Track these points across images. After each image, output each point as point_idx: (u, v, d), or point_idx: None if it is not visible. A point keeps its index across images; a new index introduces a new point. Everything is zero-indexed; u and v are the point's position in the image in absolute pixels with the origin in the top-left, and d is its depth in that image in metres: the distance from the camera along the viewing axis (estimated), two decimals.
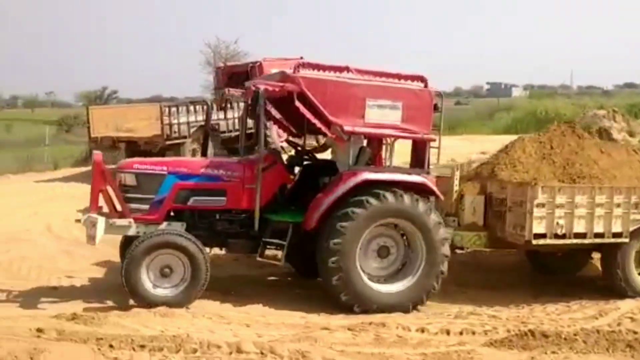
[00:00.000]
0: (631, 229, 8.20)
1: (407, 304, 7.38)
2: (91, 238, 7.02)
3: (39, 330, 5.43)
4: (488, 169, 8.81)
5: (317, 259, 7.43)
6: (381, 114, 7.51)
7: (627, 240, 8.17)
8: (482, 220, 8.46)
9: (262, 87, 7.22)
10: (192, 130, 16.13)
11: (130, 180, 7.46)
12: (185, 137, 15.92)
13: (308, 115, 7.29)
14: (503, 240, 8.27)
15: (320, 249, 7.32)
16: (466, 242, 8.31)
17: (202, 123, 16.36)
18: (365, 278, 7.36)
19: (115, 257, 8.25)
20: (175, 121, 16.07)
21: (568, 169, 8.36)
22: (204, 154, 8.78)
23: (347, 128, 7.38)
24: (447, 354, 5.71)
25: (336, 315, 7.07)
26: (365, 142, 7.96)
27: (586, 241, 8.08)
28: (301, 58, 20.47)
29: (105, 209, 7.35)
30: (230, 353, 5.28)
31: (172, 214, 7.52)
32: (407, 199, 7.37)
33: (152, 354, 5.13)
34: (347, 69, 7.57)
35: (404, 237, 7.63)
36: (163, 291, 6.98)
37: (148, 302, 6.82)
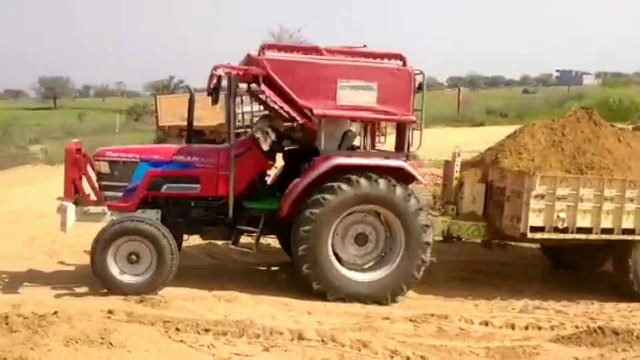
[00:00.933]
0: None
1: (384, 294, 7.13)
2: (62, 225, 7.07)
3: (110, 311, 5.64)
4: (492, 155, 8.38)
5: (291, 247, 7.29)
6: (354, 96, 7.13)
7: (638, 237, 7.62)
8: (481, 209, 8.13)
9: (224, 72, 7.04)
10: (255, 119, 16.35)
11: (104, 168, 7.43)
12: (248, 127, 16.15)
13: (275, 98, 7.16)
14: (502, 232, 7.89)
15: (293, 236, 7.13)
16: (463, 232, 7.99)
17: (266, 112, 16.57)
18: (338, 266, 7.17)
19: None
20: (240, 110, 16.33)
21: (578, 158, 7.83)
22: (188, 141, 8.39)
23: (316, 111, 7.08)
24: (511, 348, 5.59)
25: (397, 306, 7.04)
26: (354, 126, 7.72)
27: (592, 237, 7.55)
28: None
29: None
30: (292, 339, 5.33)
31: (150, 201, 7.47)
32: (382, 184, 7.05)
33: (216, 338, 5.23)
34: (317, 49, 7.34)
35: (386, 225, 7.33)
36: (130, 278, 6.90)
37: (115, 288, 6.81)
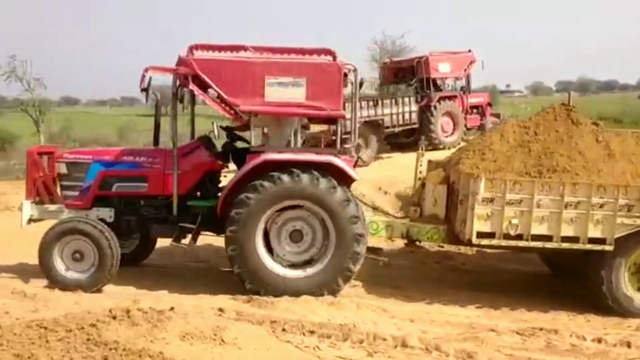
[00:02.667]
0: (617, 235, 6.93)
1: (319, 289, 7.01)
2: (22, 221, 7.57)
3: (220, 309, 5.91)
4: (459, 155, 7.86)
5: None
6: (282, 92, 7.09)
7: (610, 248, 6.94)
8: (443, 212, 7.70)
9: (151, 73, 7.16)
10: (357, 125, 16.44)
11: (62, 169, 7.76)
12: (349, 133, 16.26)
13: (204, 97, 7.24)
14: (458, 237, 7.36)
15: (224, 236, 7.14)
16: (423, 235, 7.68)
17: (367, 118, 16.58)
18: (270, 264, 7.09)
19: None
20: None
21: (543, 159, 7.24)
22: (155, 144, 8.25)
23: (243, 108, 7.14)
24: None
25: (503, 318, 6.86)
26: (300, 124, 7.66)
27: (550, 246, 7.00)
28: (469, 51, 20.12)
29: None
30: (396, 346, 5.35)
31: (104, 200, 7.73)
32: (305, 178, 6.94)
33: (321, 340, 5.35)
34: (244, 47, 7.29)
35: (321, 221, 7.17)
36: (74, 274, 7.18)
37: (61, 285, 7.06)
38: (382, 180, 13.10)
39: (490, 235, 7.06)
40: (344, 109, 7.55)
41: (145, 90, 7.21)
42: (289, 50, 7.33)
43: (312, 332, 5.49)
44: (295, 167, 6.99)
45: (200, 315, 5.44)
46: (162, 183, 7.58)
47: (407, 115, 17.74)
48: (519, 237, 7.03)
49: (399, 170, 14.23)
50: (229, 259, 7.13)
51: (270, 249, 7.22)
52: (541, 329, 6.16)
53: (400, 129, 17.62)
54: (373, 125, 16.77)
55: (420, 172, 8.15)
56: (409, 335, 5.56)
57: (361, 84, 7.97)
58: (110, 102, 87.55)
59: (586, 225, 6.93)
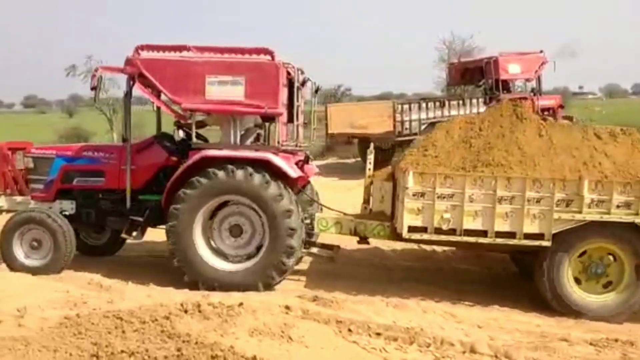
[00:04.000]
0: (555, 230, 6.77)
1: (255, 283, 7.18)
2: None
3: (287, 307, 5.95)
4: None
5: None
6: (222, 90, 7.34)
7: (548, 244, 6.78)
8: (390, 208, 7.56)
9: (101, 72, 7.58)
10: (422, 127, 16.25)
11: (30, 163, 8.23)
12: (415, 134, 16.09)
13: (149, 96, 7.59)
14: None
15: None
16: (369, 232, 7.56)
17: (434, 120, 16.42)
18: (208, 257, 7.33)
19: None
20: (407, 118, 16.33)
21: (482, 154, 7.12)
22: (124, 140, 8.33)
23: (185, 106, 7.39)
24: None
25: (576, 327, 6.63)
26: (253, 122, 7.81)
27: (484, 241, 6.88)
28: (541, 52, 19.57)
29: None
30: (464, 352, 5.27)
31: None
32: (239, 174, 7.13)
33: (387, 343, 5.32)
34: (186, 47, 7.55)
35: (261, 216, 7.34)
36: (33, 262, 7.63)
37: (20, 270, 7.47)
38: None
39: (422, 229, 7.04)
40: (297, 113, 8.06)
41: (94, 89, 7.63)
42: (229, 50, 7.62)
43: (378, 334, 5.47)
44: (233, 164, 7.21)
45: (268, 311, 5.51)
46: (118, 178, 7.94)
47: None
48: (452, 231, 6.99)
49: None
50: (170, 252, 7.44)
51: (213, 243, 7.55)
52: (616, 340, 5.91)
53: None
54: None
55: (370, 169, 8.22)
56: (477, 342, 5.46)
57: (316, 90, 8.55)
58: None
59: (522, 220, 6.83)
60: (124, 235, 8.03)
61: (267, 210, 7.25)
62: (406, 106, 16.55)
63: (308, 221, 7.92)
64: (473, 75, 19.76)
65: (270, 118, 7.59)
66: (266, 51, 7.50)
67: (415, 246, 7.85)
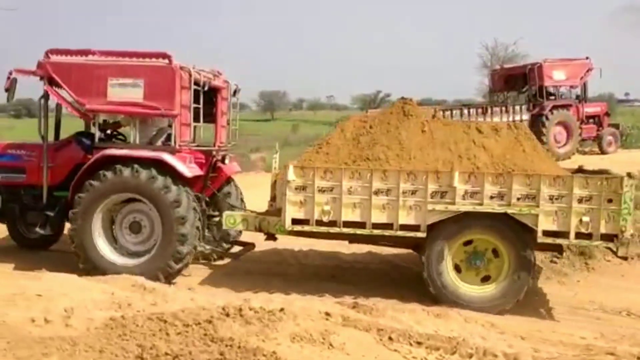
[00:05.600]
0: (430, 221, 7.04)
1: (155, 273, 7.57)
2: None
3: (327, 313, 5.92)
4: None
5: None
6: (123, 92, 7.79)
7: (423, 235, 7.05)
8: None
9: (15, 74, 7.99)
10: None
11: None
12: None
13: (56, 98, 8.05)
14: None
15: None
16: (272, 228, 7.72)
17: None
18: (103, 249, 7.83)
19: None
20: None
21: (365, 150, 7.53)
22: (56, 139, 8.99)
23: (89, 107, 7.88)
24: None
25: (623, 342, 6.43)
26: (166, 123, 8.06)
27: (361, 232, 7.14)
28: (587, 58, 19.17)
29: None
30: None
31: None
32: (143, 174, 7.57)
33: (429, 352, 5.24)
34: (91, 51, 8.03)
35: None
36: None
37: None
38: None
39: (305, 222, 7.31)
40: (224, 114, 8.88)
41: (7, 90, 8.12)
42: (130, 54, 8.05)
43: (419, 343, 5.40)
44: (129, 162, 7.68)
45: (309, 317, 5.51)
46: (37, 175, 8.41)
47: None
48: (333, 223, 7.22)
49: None
50: (69, 237, 7.92)
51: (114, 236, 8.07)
52: None
53: None
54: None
55: (275, 168, 8.54)
56: (521, 353, 5.34)
57: (235, 92, 9.12)
58: None
59: (397, 211, 7.05)
60: (37, 230, 8.46)
61: (157, 203, 7.69)
62: (447, 112, 16.39)
63: (217, 219, 8.49)
64: (516, 82, 19.53)
65: (167, 119, 8.03)
66: (164, 55, 7.91)
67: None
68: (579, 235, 7.00)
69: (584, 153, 19.39)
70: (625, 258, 7.49)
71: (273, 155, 8.69)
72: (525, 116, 17.35)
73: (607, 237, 6.97)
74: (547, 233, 7.04)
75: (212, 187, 8.86)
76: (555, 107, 18.07)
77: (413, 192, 7.08)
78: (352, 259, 9.64)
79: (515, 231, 7.12)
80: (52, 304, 5.88)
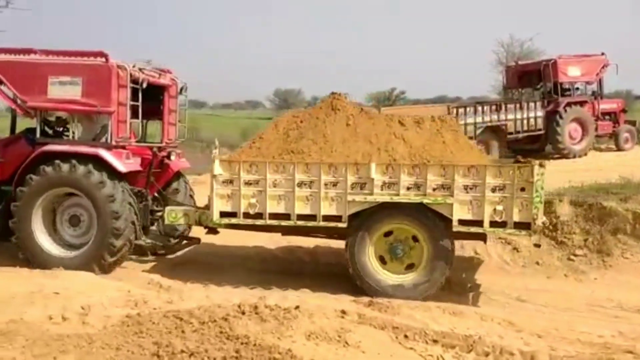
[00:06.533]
0: (351, 212, 7.20)
1: (90, 265, 7.82)
2: None
3: (343, 312, 5.93)
4: None
5: None
6: (62, 90, 8.03)
7: (344, 225, 7.20)
8: None
9: None
10: (478, 131, 15.92)
11: None
12: (471, 138, 15.79)
13: (0, 95, 8.20)
14: None
15: None
16: (209, 221, 7.78)
17: (489, 124, 16.11)
18: (42, 240, 8.10)
19: None
20: (462, 122, 15.97)
21: (292, 144, 7.71)
22: (12, 134, 9.11)
23: (30, 104, 8.09)
24: None
25: None
26: (110, 120, 8.10)
27: (286, 224, 7.33)
28: (602, 54, 18.95)
29: None
30: None
31: None
32: (80, 169, 7.85)
33: (445, 350, 5.22)
34: (33, 50, 8.21)
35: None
36: None
37: None
38: None
39: (232, 214, 7.48)
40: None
41: None
42: (69, 53, 8.26)
43: (435, 341, 5.37)
44: (69, 158, 7.91)
45: (324, 315, 5.51)
46: None
47: (532, 121, 16.98)
48: (259, 216, 7.38)
49: None
50: (13, 230, 8.12)
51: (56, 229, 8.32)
52: None
53: (525, 135, 16.89)
54: (495, 131, 16.20)
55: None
56: (538, 352, 5.30)
57: (181, 90, 9.32)
58: (235, 105, 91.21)
59: (319, 203, 7.23)
60: None
61: (92, 197, 7.93)
62: (461, 110, 16.23)
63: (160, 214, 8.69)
64: (531, 78, 19.31)
65: (103, 116, 8.19)
66: (101, 54, 8.12)
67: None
68: (493, 223, 7.13)
69: (600, 150, 19.16)
70: (538, 246, 7.45)
71: (213, 150, 8.92)
72: (540, 113, 17.13)
73: (521, 225, 7.10)
74: (462, 222, 7.18)
75: (160, 183, 9.12)
76: (570, 103, 17.84)
77: (334, 184, 7.27)
78: None
79: (432, 220, 7.27)
80: (69, 301, 5.94)
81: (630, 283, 8.69)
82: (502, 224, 7.13)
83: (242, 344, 4.60)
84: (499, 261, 9.68)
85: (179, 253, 9.52)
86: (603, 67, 18.73)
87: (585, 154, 17.72)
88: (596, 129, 18.44)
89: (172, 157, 9.24)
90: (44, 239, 8.20)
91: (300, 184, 7.32)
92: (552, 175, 13.65)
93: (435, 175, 7.14)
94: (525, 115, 16.92)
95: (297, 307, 5.53)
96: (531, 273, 9.24)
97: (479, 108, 16.48)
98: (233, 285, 7.80)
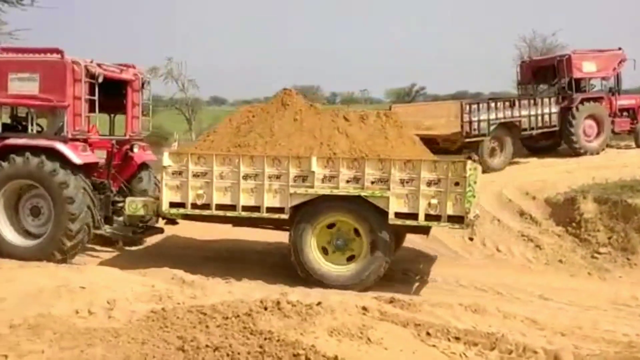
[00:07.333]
0: (293, 204, 7.45)
1: (52, 252, 8.25)
2: None
3: (364, 308, 5.94)
4: None
5: None
6: (21, 86, 8.39)
7: (286, 217, 7.46)
8: None
9: None
10: (491, 127, 15.66)
11: None
12: (484, 135, 15.53)
13: None
14: None
15: None
16: (160, 211, 7.99)
17: (503, 120, 15.83)
18: (3, 232, 8.53)
19: None
20: (476, 118, 15.61)
21: (241, 138, 7.94)
22: None
23: None
24: None
25: None
26: (66, 114, 8.37)
27: (231, 214, 7.58)
28: (619, 49, 18.54)
29: None
30: None
31: None
32: (34, 161, 8.21)
33: (467, 348, 5.21)
34: None
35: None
36: None
37: None
38: (530, 185, 12.51)
39: (181, 205, 7.72)
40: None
41: None
42: (27, 50, 8.65)
43: (457, 338, 5.36)
44: (24, 151, 8.27)
45: (346, 312, 5.52)
46: None
47: (546, 117, 16.58)
48: (206, 206, 7.62)
49: (550, 175, 13.57)
50: None
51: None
52: None
53: (539, 131, 16.55)
54: (509, 127, 15.94)
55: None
56: (562, 350, 5.26)
57: (143, 84, 9.59)
58: (254, 102, 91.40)
59: (263, 195, 7.47)
60: None
61: (47, 186, 8.29)
62: (474, 106, 15.86)
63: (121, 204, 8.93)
64: (546, 74, 18.91)
65: (58, 110, 8.46)
66: (57, 51, 8.42)
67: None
68: (428, 216, 7.30)
69: (619, 147, 18.79)
70: (471, 239, 7.52)
71: (172, 143, 9.16)
72: (555, 109, 16.72)
73: (454, 219, 7.26)
74: (399, 215, 7.36)
75: (124, 175, 9.46)
76: (584, 99, 17.42)
77: (278, 177, 7.52)
78: None
79: (370, 213, 7.48)
80: (95, 296, 6.03)
81: None
82: (437, 218, 7.35)
83: (265, 339, 4.62)
84: (521, 259, 9.65)
85: (148, 243, 10.14)
86: (620, 63, 18.25)
87: (600, 152, 17.35)
88: (613, 126, 18.04)
89: (135, 150, 9.59)
90: (6, 230, 8.66)
91: (246, 177, 7.58)
92: (576, 172, 13.59)
93: (373, 169, 7.40)
94: (539, 112, 16.48)
95: (319, 304, 5.54)
96: (554, 271, 9.21)
97: (492, 104, 16.14)
98: (255, 281, 7.86)
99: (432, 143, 16.13)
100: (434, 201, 7.27)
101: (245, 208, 7.63)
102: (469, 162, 7.27)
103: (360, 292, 7.31)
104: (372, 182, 7.39)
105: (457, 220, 7.29)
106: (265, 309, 5.41)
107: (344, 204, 7.53)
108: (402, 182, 7.34)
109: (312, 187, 7.49)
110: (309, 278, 7.66)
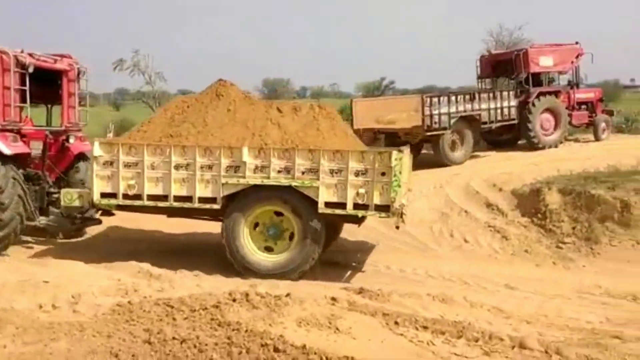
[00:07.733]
0: (224, 194, 7.50)
1: None
2: None
3: (333, 298, 5.95)
4: None
5: None
6: None
7: (218, 207, 7.52)
8: None
9: None
10: (452, 121, 15.76)
11: None
12: (445, 128, 15.64)
13: None
14: None
15: None
16: (97, 203, 7.96)
17: (463, 113, 15.95)
18: None
19: None
20: (436, 112, 15.69)
21: (173, 128, 7.92)
22: None
23: None
24: None
25: (630, 325, 6.45)
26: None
27: (163, 204, 7.57)
28: (576, 43, 18.84)
29: None
30: (513, 347, 5.15)
31: None
32: None
33: (435, 336, 5.24)
34: None
35: None
36: None
37: None
38: (496, 177, 12.68)
39: (112, 195, 7.67)
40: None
41: None
42: None
43: (425, 327, 5.40)
44: None
45: (315, 302, 5.52)
46: None
47: (505, 111, 16.77)
48: (138, 197, 7.60)
49: (516, 167, 13.76)
50: None
51: None
52: None
53: (499, 124, 16.71)
54: (469, 121, 16.08)
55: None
56: (527, 337, 5.34)
57: (79, 74, 9.53)
58: None
59: (195, 185, 7.48)
60: None
61: None
62: (435, 100, 15.95)
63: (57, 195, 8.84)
64: (505, 68, 19.09)
65: None
66: None
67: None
68: (356, 205, 7.43)
69: (577, 140, 19.09)
70: (397, 227, 7.79)
71: (107, 134, 9.08)
72: (513, 102, 16.92)
73: (381, 208, 7.42)
74: (328, 204, 7.48)
75: (61, 166, 9.40)
76: (541, 93, 17.67)
77: (209, 167, 7.54)
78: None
79: (301, 202, 7.58)
80: (59, 290, 5.92)
81: (617, 270, 8.80)
82: (365, 207, 7.45)
83: (233, 330, 4.60)
84: (488, 249, 9.77)
85: (87, 235, 10.10)
86: (577, 56, 18.58)
87: (557, 145, 17.58)
88: (571, 119, 18.31)
89: (71, 140, 9.49)
90: None
91: (177, 167, 7.57)
92: (542, 164, 13.81)
93: (304, 160, 7.49)
94: (499, 105, 16.66)
95: (287, 295, 5.54)
96: (520, 261, 9.34)
97: (453, 98, 16.22)
98: (224, 274, 7.80)
99: (394, 137, 16.29)
100: (362, 190, 7.39)
101: (177, 198, 7.63)
102: (395, 152, 7.39)
103: (326, 282, 7.36)
104: (303, 172, 7.48)
105: (384, 209, 7.40)
106: (234, 300, 5.39)
107: (276, 193, 7.61)
108: (331, 172, 7.45)
109: (243, 177, 7.54)
110: (243, 269, 7.70)
